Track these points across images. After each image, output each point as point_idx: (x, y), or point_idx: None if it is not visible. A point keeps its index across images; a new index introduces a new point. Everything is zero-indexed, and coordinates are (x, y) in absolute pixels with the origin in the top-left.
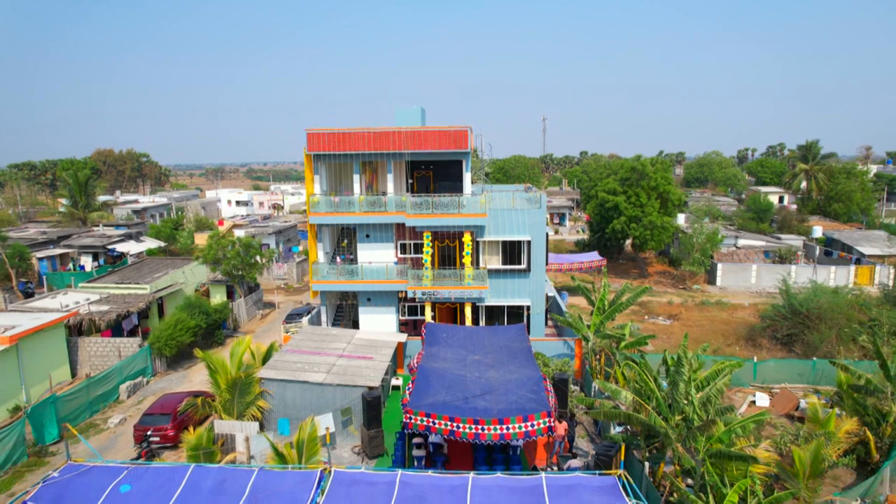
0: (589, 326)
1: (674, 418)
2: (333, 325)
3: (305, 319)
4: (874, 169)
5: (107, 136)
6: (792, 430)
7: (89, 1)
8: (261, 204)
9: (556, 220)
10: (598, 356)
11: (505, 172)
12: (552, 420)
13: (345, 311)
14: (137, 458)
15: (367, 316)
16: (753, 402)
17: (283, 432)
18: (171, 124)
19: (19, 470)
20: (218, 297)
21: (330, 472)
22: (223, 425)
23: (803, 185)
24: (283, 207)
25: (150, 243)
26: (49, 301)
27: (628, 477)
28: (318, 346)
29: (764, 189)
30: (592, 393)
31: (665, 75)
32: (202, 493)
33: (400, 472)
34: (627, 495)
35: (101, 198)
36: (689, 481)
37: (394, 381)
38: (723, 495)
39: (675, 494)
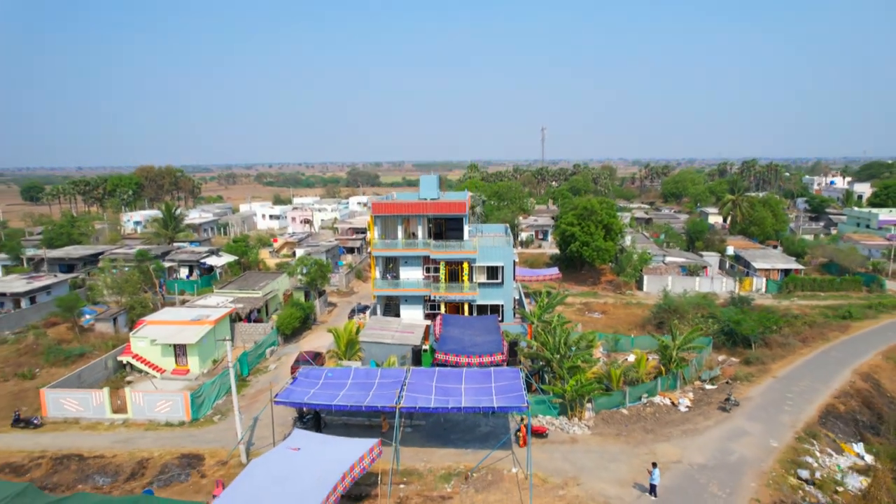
0: (534, 315)
1: (555, 354)
2: (384, 315)
3: (367, 313)
4: (819, 183)
5: (113, 136)
6: (624, 364)
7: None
8: (293, 219)
9: (540, 236)
10: (539, 333)
11: (500, 196)
12: (504, 356)
13: (391, 307)
14: None
15: (405, 311)
16: (626, 359)
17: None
18: (172, 125)
19: (239, 385)
20: (299, 299)
21: (409, 369)
22: (345, 363)
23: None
24: (312, 223)
25: (228, 258)
26: (205, 300)
27: (524, 368)
28: (382, 326)
29: (711, 210)
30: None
31: (668, 80)
32: (361, 375)
33: (437, 368)
34: (524, 376)
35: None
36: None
37: (424, 346)
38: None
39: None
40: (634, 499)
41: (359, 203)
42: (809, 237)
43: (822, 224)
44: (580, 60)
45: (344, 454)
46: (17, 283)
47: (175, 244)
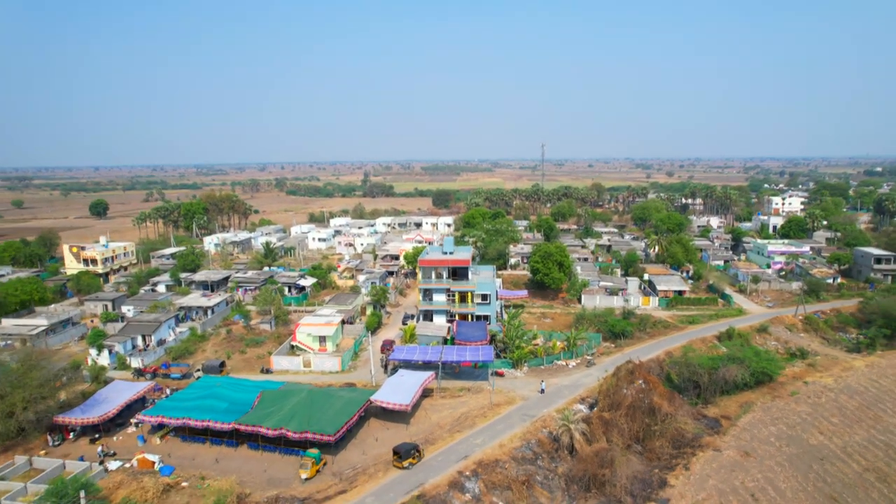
0: (506, 321)
1: (511, 341)
2: (424, 321)
3: (415, 319)
4: (777, 203)
5: (127, 136)
6: (548, 346)
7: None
8: (339, 243)
9: (525, 261)
10: (507, 331)
11: (497, 230)
12: (487, 342)
13: (427, 315)
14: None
15: (436, 318)
16: (554, 344)
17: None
18: (182, 125)
19: (354, 355)
20: (372, 311)
21: (443, 347)
22: (409, 345)
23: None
24: (354, 245)
25: (311, 280)
26: (322, 311)
27: (497, 347)
28: (425, 326)
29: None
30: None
31: (669, 81)
32: (422, 349)
33: (455, 346)
34: (495, 352)
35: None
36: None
37: (447, 336)
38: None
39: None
40: (535, 393)
41: (384, 223)
42: (721, 262)
43: (731, 252)
44: (585, 61)
45: (420, 377)
46: (201, 300)
47: (269, 269)
